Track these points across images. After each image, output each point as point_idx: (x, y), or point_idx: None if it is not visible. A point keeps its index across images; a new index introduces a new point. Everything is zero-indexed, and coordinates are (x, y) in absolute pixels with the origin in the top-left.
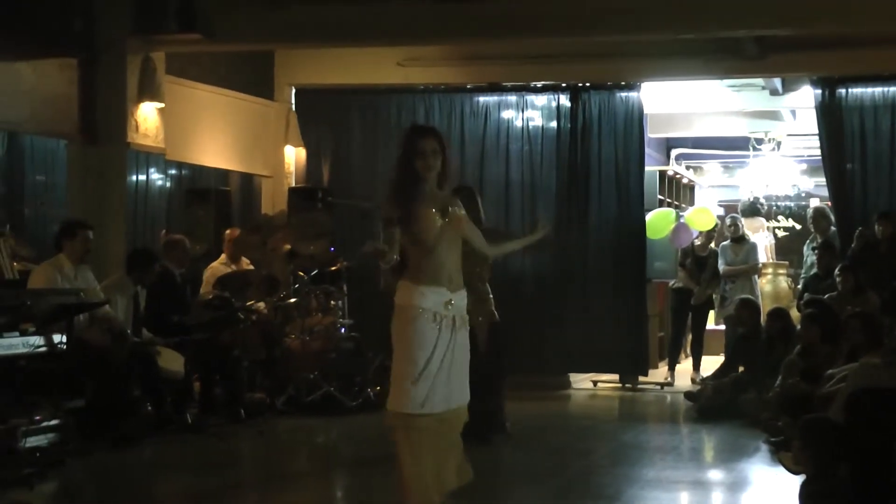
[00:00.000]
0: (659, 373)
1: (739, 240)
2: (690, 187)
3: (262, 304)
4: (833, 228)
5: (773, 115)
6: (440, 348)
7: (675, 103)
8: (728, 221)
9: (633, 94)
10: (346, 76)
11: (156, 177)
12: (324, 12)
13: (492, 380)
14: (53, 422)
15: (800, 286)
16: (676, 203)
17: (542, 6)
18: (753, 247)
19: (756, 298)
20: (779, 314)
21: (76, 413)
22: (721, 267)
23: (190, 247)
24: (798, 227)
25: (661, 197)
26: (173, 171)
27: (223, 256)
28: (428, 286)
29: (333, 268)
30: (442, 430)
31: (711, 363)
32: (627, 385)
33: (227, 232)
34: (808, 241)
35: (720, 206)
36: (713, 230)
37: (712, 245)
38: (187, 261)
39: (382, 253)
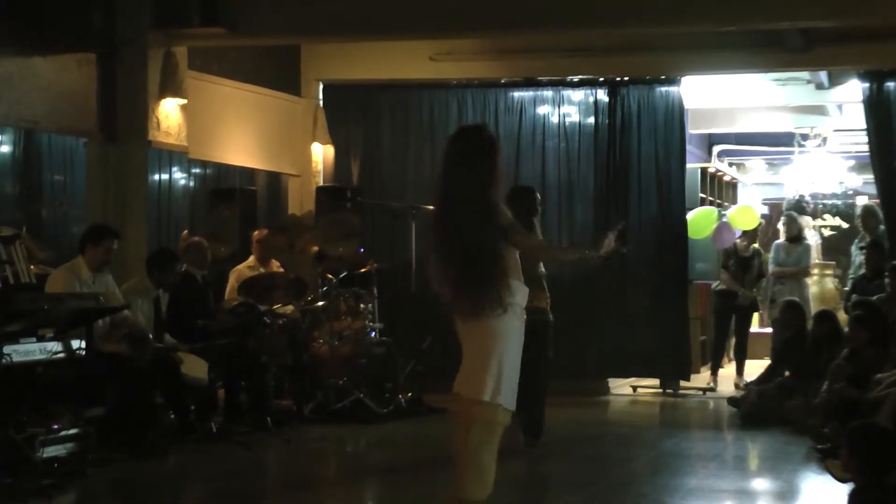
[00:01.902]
0: (701, 378)
1: (794, 240)
2: (733, 185)
3: (288, 308)
4: (882, 227)
5: (819, 110)
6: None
7: (716, 98)
8: (785, 219)
9: (673, 89)
10: (375, 71)
11: (178, 176)
12: (352, 4)
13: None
14: (72, 431)
15: (847, 287)
16: (719, 202)
17: None
18: (807, 248)
19: (806, 301)
20: (825, 316)
21: (96, 422)
22: (771, 267)
23: (211, 248)
24: (845, 225)
25: (703, 195)
26: (197, 171)
27: (251, 259)
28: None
29: (363, 270)
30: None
31: (755, 368)
32: (668, 390)
33: (255, 233)
34: (856, 241)
35: (764, 204)
36: (756, 230)
37: (755, 245)
38: (207, 263)
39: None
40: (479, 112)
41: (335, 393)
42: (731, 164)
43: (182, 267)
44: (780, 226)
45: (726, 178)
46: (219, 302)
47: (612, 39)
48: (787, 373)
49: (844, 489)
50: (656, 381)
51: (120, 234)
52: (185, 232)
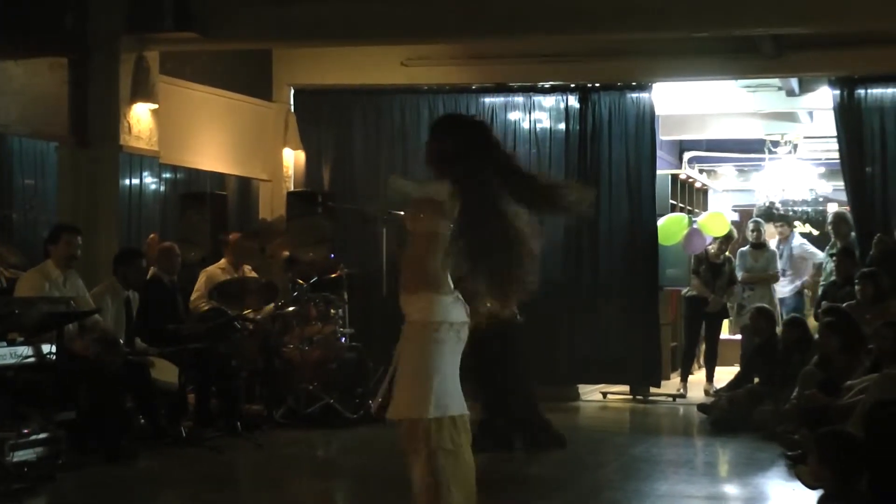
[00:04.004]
0: (671, 384)
1: (759, 246)
2: (704, 191)
3: (258, 312)
4: (853, 234)
5: (790, 117)
6: (456, 360)
7: (687, 104)
8: (751, 226)
9: (644, 95)
10: (347, 76)
11: (149, 180)
12: (324, 9)
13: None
14: (43, 435)
15: (818, 294)
16: (689, 208)
17: (550, 3)
18: (774, 255)
19: (774, 307)
20: (796, 323)
21: (67, 426)
22: (739, 273)
23: (182, 252)
24: (815, 232)
25: (674, 202)
26: (168, 175)
27: (223, 261)
28: (450, 295)
29: (334, 275)
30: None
31: (726, 374)
32: (639, 397)
33: (231, 236)
34: (827, 248)
35: (734, 210)
36: (727, 236)
37: (726, 251)
38: (177, 268)
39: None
40: None
41: (305, 398)
42: (701, 171)
43: (145, 263)
44: (748, 232)
45: (697, 185)
46: (186, 303)
47: (583, 46)
48: (756, 379)
49: (814, 496)
50: (626, 388)
51: (77, 227)
52: (153, 235)
